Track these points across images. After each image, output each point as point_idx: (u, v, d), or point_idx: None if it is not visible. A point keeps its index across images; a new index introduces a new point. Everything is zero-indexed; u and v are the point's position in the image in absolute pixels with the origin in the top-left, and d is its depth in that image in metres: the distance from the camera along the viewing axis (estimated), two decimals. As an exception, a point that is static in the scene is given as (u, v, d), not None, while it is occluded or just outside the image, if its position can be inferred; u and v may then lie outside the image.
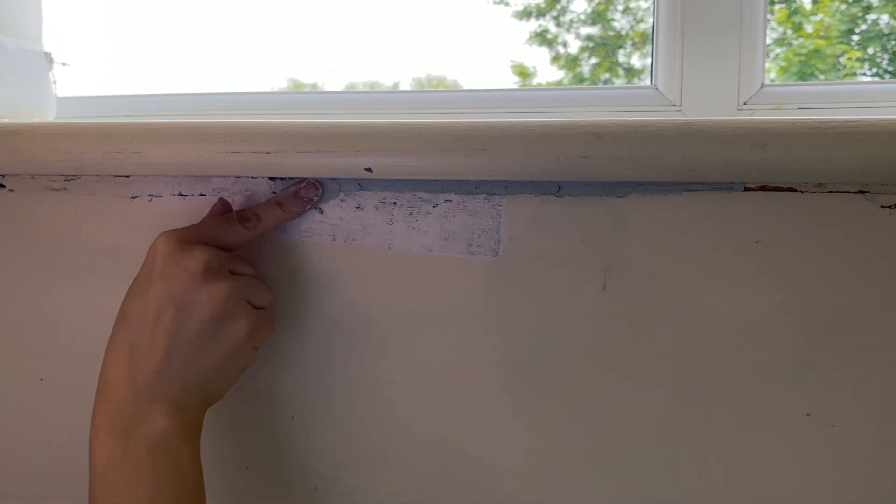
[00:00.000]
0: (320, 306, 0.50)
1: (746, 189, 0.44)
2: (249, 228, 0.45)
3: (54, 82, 0.64)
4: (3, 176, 0.54)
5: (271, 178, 0.49)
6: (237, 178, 0.50)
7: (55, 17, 0.66)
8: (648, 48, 0.63)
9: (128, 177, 0.52)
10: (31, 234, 0.54)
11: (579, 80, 1.45)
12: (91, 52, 0.78)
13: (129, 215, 0.52)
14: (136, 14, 0.86)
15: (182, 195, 0.51)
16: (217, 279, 0.42)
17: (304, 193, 0.48)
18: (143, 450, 0.39)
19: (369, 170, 0.44)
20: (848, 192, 0.43)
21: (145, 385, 0.40)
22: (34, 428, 0.56)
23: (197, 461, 0.41)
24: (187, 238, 0.43)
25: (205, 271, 0.41)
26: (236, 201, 0.50)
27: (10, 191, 0.54)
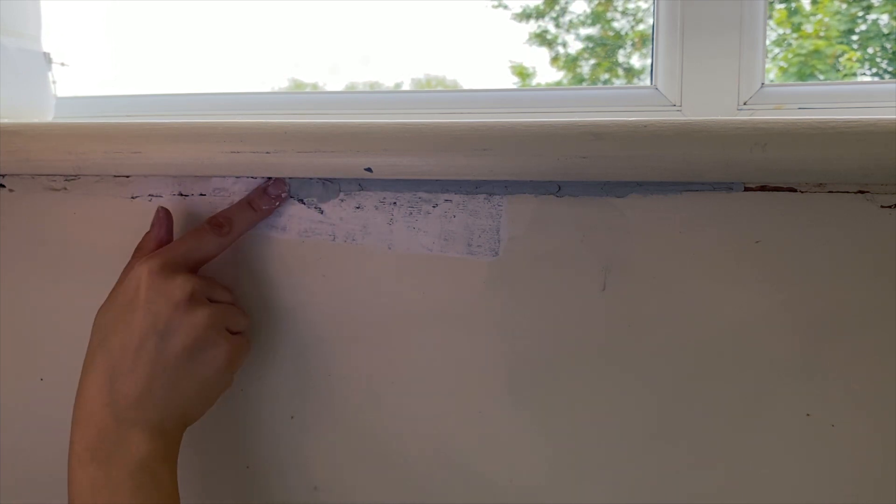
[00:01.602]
0: (320, 306, 0.50)
1: (746, 189, 0.44)
2: (224, 235, 0.46)
3: (53, 82, 0.64)
4: (3, 176, 0.54)
5: (271, 179, 0.49)
6: (237, 178, 0.50)
7: (54, 17, 0.66)
8: (648, 48, 0.63)
9: (128, 177, 0.52)
10: (31, 234, 0.54)
11: (579, 80, 1.45)
12: (90, 52, 0.78)
13: (129, 215, 0.52)
14: (136, 14, 0.86)
15: (182, 195, 0.51)
16: (198, 307, 0.43)
17: (272, 191, 0.48)
18: (126, 474, 0.40)
19: (369, 170, 0.44)
20: (848, 192, 0.43)
21: (127, 410, 0.41)
22: (34, 428, 0.56)
23: (175, 481, 0.42)
24: (169, 265, 0.44)
25: (188, 299, 0.42)
26: (236, 201, 0.50)
27: (10, 191, 0.54)
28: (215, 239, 0.46)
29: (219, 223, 0.46)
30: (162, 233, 0.47)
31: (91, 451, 0.40)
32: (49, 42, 0.63)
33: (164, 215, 0.47)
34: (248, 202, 0.48)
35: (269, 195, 0.48)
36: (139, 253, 0.47)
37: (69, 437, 0.42)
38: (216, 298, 0.45)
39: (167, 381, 0.42)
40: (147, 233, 0.48)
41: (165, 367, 0.42)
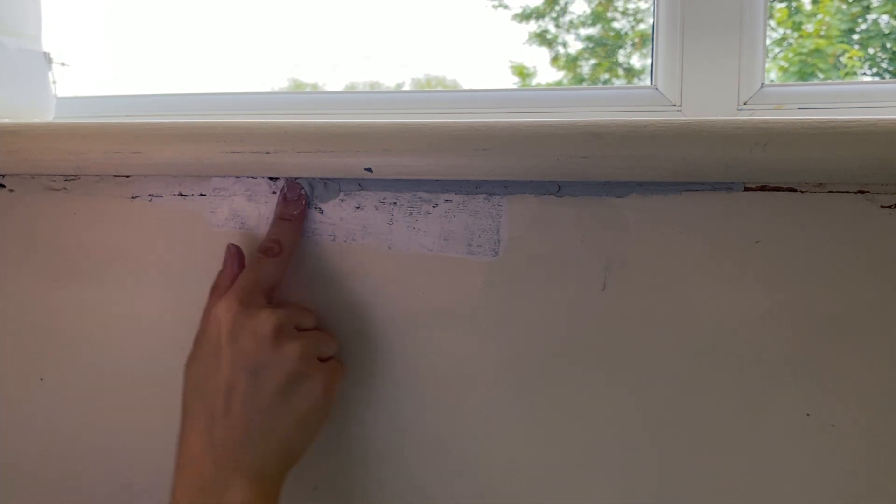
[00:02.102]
0: (320, 306, 0.50)
1: (746, 189, 0.44)
2: (278, 255, 0.45)
3: (53, 82, 0.64)
4: (3, 176, 0.54)
5: (271, 178, 0.49)
6: (237, 178, 0.50)
7: (54, 17, 0.66)
8: (648, 48, 0.63)
9: (128, 177, 0.52)
10: (31, 234, 0.54)
11: (579, 80, 1.45)
12: (90, 52, 0.78)
13: (129, 215, 0.52)
14: (136, 14, 0.86)
15: (182, 195, 0.51)
16: (286, 341, 0.41)
17: (290, 195, 0.48)
18: None
19: (369, 170, 0.44)
20: (848, 192, 0.43)
21: (226, 456, 0.40)
22: (34, 428, 0.56)
23: None
24: (246, 300, 0.42)
25: (274, 334, 0.41)
26: (236, 201, 0.50)
27: (10, 191, 0.54)
28: (273, 261, 0.45)
29: (268, 247, 0.45)
30: (235, 270, 0.45)
31: (191, 499, 0.39)
32: (49, 42, 0.63)
33: (235, 252, 0.46)
34: (279, 217, 0.47)
35: (290, 200, 0.48)
36: (215, 293, 0.46)
37: (171, 483, 0.41)
38: (302, 325, 0.44)
39: (263, 422, 0.40)
40: (220, 272, 0.46)
41: (260, 408, 0.40)
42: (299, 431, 0.42)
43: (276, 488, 0.42)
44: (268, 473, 0.41)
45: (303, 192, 0.48)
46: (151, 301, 0.53)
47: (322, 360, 0.44)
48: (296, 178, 0.48)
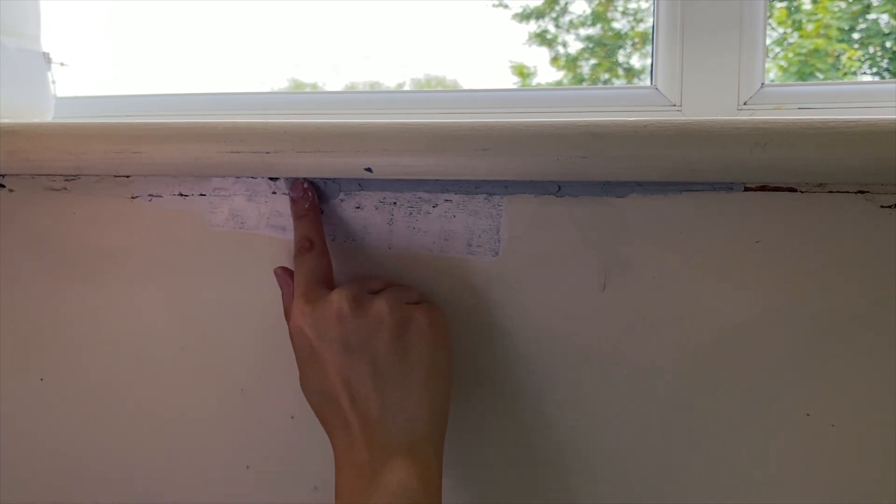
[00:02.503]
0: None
1: (746, 189, 0.44)
2: (314, 248, 0.45)
3: (53, 82, 0.64)
4: (3, 176, 0.54)
5: (271, 178, 0.49)
6: (237, 178, 0.50)
7: (54, 17, 0.66)
8: (648, 48, 0.63)
9: (128, 177, 0.52)
10: (31, 234, 0.54)
11: (579, 80, 1.45)
12: (90, 52, 0.78)
13: (129, 215, 0.52)
14: (135, 14, 0.86)
15: (182, 195, 0.51)
16: (368, 303, 0.41)
17: (295, 194, 0.47)
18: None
19: (369, 170, 0.44)
20: (848, 192, 0.43)
21: (374, 439, 0.38)
22: (34, 428, 0.56)
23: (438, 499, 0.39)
24: (313, 296, 0.42)
25: (353, 306, 0.41)
26: (236, 201, 0.50)
27: (10, 191, 0.54)
28: (312, 255, 0.44)
29: (300, 246, 0.45)
30: (291, 285, 0.45)
31: (351, 491, 0.38)
32: (49, 42, 0.63)
33: (283, 271, 0.46)
34: (295, 218, 0.47)
35: (298, 199, 0.47)
36: (287, 315, 0.45)
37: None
38: (374, 289, 0.43)
39: (393, 389, 0.39)
40: (282, 297, 0.46)
41: (383, 376, 0.39)
42: (433, 382, 0.40)
43: (434, 457, 0.39)
44: (419, 443, 0.39)
45: (305, 184, 0.48)
46: (151, 301, 0.53)
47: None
48: (287, 179, 0.48)
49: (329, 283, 0.45)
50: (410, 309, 0.42)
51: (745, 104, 0.56)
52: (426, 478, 0.38)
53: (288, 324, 0.44)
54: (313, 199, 0.48)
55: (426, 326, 0.41)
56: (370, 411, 0.39)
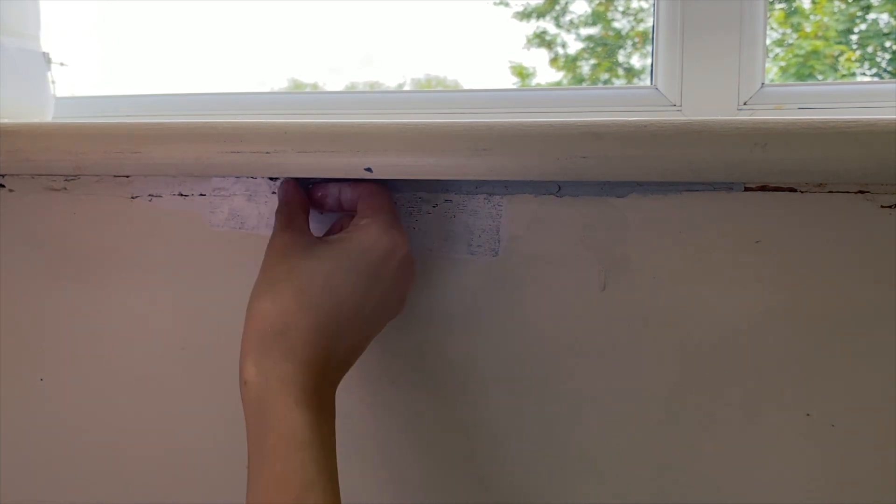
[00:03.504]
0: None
1: (746, 189, 0.44)
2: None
3: (53, 82, 0.64)
4: (3, 176, 0.54)
5: (271, 178, 0.49)
6: (237, 178, 0.50)
7: (54, 18, 0.66)
8: (648, 48, 0.63)
9: (128, 177, 0.52)
10: (31, 234, 0.54)
11: (579, 80, 1.45)
12: (90, 52, 0.78)
13: (129, 215, 0.52)
14: (136, 14, 0.86)
15: (182, 195, 0.51)
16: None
17: (287, 195, 0.46)
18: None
19: (369, 170, 0.44)
20: (848, 192, 0.43)
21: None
22: (34, 428, 0.56)
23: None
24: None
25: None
26: (236, 201, 0.50)
27: (10, 191, 0.54)
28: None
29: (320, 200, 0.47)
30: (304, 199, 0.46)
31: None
32: (48, 42, 0.63)
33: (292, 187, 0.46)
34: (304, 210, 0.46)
35: (287, 201, 0.46)
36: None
37: None
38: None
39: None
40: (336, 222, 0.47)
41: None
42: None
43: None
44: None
45: (288, 186, 0.46)
46: (151, 301, 0.53)
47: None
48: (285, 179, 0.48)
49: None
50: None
51: (745, 104, 0.56)
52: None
53: (388, 238, 0.42)
54: (296, 195, 0.46)
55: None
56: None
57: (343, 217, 0.47)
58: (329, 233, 0.47)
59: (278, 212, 0.45)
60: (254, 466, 0.37)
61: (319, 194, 0.47)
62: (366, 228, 0.41)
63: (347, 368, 0.42)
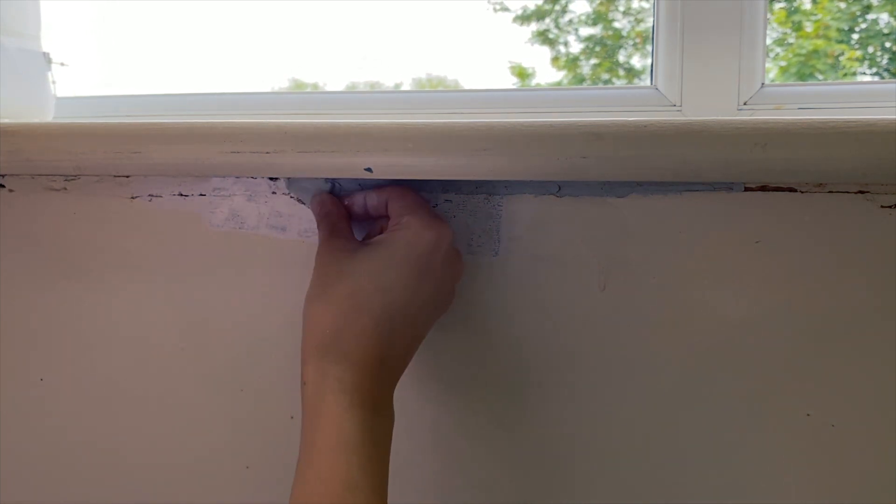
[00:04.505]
0: (320, 306, 0.50)
1: (746, 189, 0.44)
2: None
3: (53, 82, 0.64)
4: (3, 176, 0.54)
5: (271, 178, 0.49)
6: (237, 178, 0.50)
7: (54, 17, 0.66)
8: (648, 48, 0.63)
9: (128, 177, 0.52)
10: (31, 234, 0.54)
11: (579, 80, 1.45)
12: (90, 52, 0.78)
13: (129, 215, 0.52)
14: (136, 14, 0.86)
15: (182, 195, 0.51)
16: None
17: (321, 207, 0.47)
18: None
19: (369, 170, 0.44)
20: (848, 192, 0.43)
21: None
22: (34, 428, 0.56)
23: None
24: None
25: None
26: (236, 201, 0.50)
27: (10, 191, 0.54)
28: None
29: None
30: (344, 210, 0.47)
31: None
32: (48, 42, 0.63)
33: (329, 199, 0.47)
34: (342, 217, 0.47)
35: (327, 211, 0.47)
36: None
37: None
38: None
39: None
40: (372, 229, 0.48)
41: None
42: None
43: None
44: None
45: (320, 197, 0.48)
46: (151, 301, 0.53)
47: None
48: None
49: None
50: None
51: (745, 104, 0.56)
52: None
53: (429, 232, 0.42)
54: (329, 201, 0.47)
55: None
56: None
57: (375, 224, 0.47)
58: (367, 238, 0.47)
59: (320, 223, 0.46)
60: (301, 465, 0.38)
61: (346, 203, 0.47)
62: (407, 225, 0.42)
63: (403, 368, 0.42)
